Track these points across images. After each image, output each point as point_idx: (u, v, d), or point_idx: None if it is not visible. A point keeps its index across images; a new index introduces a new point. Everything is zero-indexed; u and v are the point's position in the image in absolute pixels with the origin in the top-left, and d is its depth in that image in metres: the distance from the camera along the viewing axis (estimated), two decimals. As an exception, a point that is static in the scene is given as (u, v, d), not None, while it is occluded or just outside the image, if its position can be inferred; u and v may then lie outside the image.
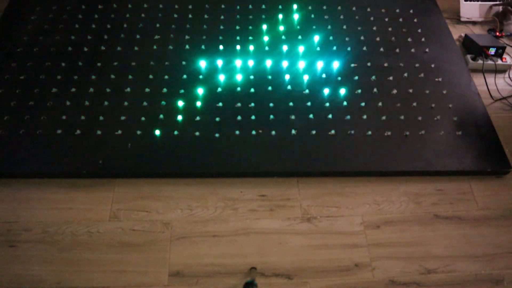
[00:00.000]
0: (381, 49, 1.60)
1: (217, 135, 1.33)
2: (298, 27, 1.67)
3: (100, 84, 1.43)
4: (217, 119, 1.36)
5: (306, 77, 1.48)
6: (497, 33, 1.74)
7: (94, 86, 1.43)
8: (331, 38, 1.63)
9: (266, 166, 1.28)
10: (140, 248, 1.13)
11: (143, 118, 1.35)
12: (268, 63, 1.53)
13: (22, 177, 1.25)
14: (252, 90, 1.44)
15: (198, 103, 1.40)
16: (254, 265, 1.11)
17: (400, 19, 1.72)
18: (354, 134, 1.35)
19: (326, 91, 1.45)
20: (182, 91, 1.43)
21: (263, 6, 1.73)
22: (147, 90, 1.43)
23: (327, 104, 1.42)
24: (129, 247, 1.13)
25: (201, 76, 1.48)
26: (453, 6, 1.84)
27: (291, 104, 1.41)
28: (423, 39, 1.65)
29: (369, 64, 1.55)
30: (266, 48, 1.58)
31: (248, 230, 1.18)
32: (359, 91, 1.46)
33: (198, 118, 1.36)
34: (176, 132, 1.32)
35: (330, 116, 1.39)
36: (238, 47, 1.57)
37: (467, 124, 1.40)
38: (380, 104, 1.43)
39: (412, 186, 1.29)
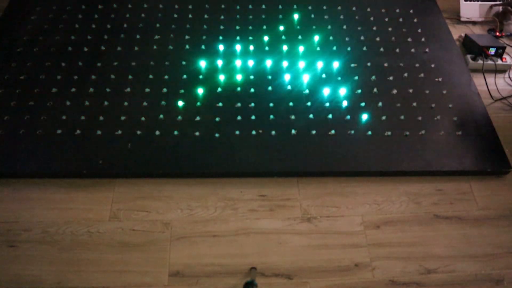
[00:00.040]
0: (381, 49, 1.60)
1: (217, 135, 1.33)
2: (298, 27, 1.67)
3: (100, 84, 1.43)
4: (217, 119, 1.36)
5: (306, 77, 1.48)
6: (497, 33, 1.74)
7: (94, 86, 1.43)
8: (331, 38, 1.63)
9: (266, 166, 1.28)
10: (140, 248, 1.13)
11: (143, 118, 1.35)
12: (268, 63, 1.53)
13: (22, 177, 1.25)
14: (252, 90, 1.45)
15: (198, 103, 1.40)
16: (254, 265, 1.11)
17: (400, 19, 1.72)
18: (354, 134, 1.35)
19: (326, 91, 1.45)
20: (182, 91, 1.43)
21: (263, 6, 1.73)
22: (147, 90, 1.43)
23: (327, 104, 1.42)
24: (129, 247, 1.13)
25: (201, 76, 1.48)
26: (453, 6, 1.84)
27: (291, 104, 1.41)
28: (423, 39, 1.65)
29: (369, 64, 1.55)
30: (266, 48, 1.58)
31: (248, 230, 1.18)
32: (359, 91, 1.46)
33: (198, 118, 1.36)
34: (176, 132, 1.32)
35: (330, 116, 1.39)
36: (238, 47, 1.57)
37: (467, 124, 1.40)
38: (380, 104, 1.43)
39: (412, 186, 1.30)
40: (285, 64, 1.53)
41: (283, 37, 1.62)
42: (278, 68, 1.52)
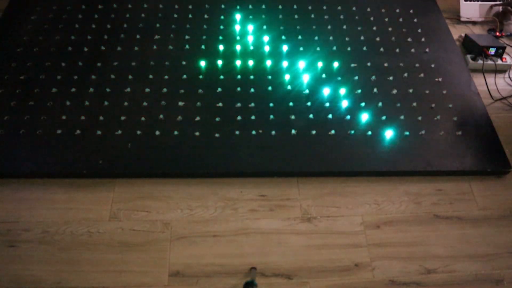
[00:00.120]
0: (381, 49, 1.60)
1: (217, 135, 1.33)
2: (298, 27, 1.66)
3: (100, 84, 1.43)
4: (217, 119, 1.36)
5: (306, 77, 1.48)
6: (497, 33, 1.74)
7: (94, 86, 1.43)
8: (331, 38, 1.63)
9: (266, 166, 1.28)
10: (140, 248, 1.13)
11: (143, 118, 1.35)
12: (268, 63, 1.53)
13: (22, 177, 1.25)
14: (252, 90, 1.45)
15: (198, 103, 1.40)
16: (254, 265, 1.11)
17: (400, 19, 1.72)
18: (354, 134, 1.35)
19: (326, 91, 1.45)
20: (182, 91, 1.43)
21: (263, 6, 1.73)
22: (147, 90, 1.43)
23: (327, 104, 1.42)
24: (129, 247, 1.13)
25: (201, 76, 1.48)
26: (453, 6, 1.84)
27: (291, 104, 1.41)
28: (423, 39, 1.65)
29: (369, 64, 1.55)
30: (266, 48, 1.58)
31: (248, 230, 1.18)
32: (359, 91, 1.46)
33: (198, 118, 1.36)
34: (176, 132, 1.32)
35: (330, 116, 1.39)
36: (238, 47, 1.57)
37: (467, 124, 1.40)
38: (380, 104, 1.43)
39: (412, 186, 1.29)
40: (285, 64, 1.53)
41: (283, 37, 1.62)
42: (278, 68, 1.52)
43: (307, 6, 1.74)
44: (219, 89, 1.44)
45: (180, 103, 1.40)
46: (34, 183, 1.24)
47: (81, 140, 1.30)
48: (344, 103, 1.42)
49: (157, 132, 1.32)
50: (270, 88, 1.46)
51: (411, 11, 1.76)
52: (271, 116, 1.38)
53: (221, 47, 1.57)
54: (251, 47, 1.58)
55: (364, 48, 1.60)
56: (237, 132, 1.33)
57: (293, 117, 1.38)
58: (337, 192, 1.27)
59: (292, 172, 1.28)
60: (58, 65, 1.48)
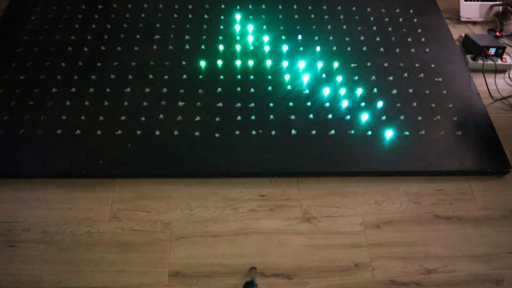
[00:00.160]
0: (381, 49, 1.60)
1: (217, 135, 1.33)
2: (298, 27, 1.66)
3: (100, 84, 1.43)
4: (217, 119, 1.36)
5: (306, 77, 1.48)
6: (497, 33, 1.74)
7: (94, 86, 1.43)
8: (331, 38, 1.63)
9: (266, 166, 1.28)
10: (140, 248, 1.13)
11: (143, 118, 1.35)
12: (268, 63, 1.53)
13: (22, 177, 1.25)
14: (252, 90, 1.45)
15: (198, 103, 1.40)
16: (254, 265, 1.11)
17: (400, 19, 1.72)
18: (354, 134, 1.35)
19: (326, 91, 1.45)
20: (182, 91, 1.43)
21: (263, 6, 1.73)
22: (147, 90, 1.43)
23: (327, 104, 1.42)
24: (129, 247, 1.13)
25: (201, 76, 1.48)
26: (453, 6, 1.84)
27: (291, 104, 1.41)
28: (423, 39, 1.65)
29: (369, 64, 1.55)
30: (266, 48, 1.58)
31: (248, 230, 1.18)
32: (359, 91, 1.46)
33: (198, 118, 1.36)
34: (176, 132, 1.32)
35: (330, 116, 1.39)
36: (238, 47, 1.57)
37: (467, 124, 1.40)
38: (380, 104, 1.43)
39: (412, 186, 1.29)
40: (285, 64, 1.53)
41: (283, 37, 1.62)
42: (278, 68, 1.52)
43: (307, 6, 1.74)
44: (219, 89, 1.44)
45: (180, 103, 1.40)
46: (34, 183, 1.24)
47: (81, 140, 1.30)
48: (344, 103, 1.42)
49: (157, 132, 1.32)
50: (270, 88, 1.46)
51: (411, 11, 1.76)
52: (271, 116, 1.38)
53: (221, 47, 1.57)
54: (251, 47, 1.58)
55: (364, 48, 1.60)
56: (237, 132, 1.33)
57: (293, 117, 1.38)
58: (337, 192, 1.27)
59: (292, 172, 1.28)
60: (58, 65, 1.48)
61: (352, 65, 1.54)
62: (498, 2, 1.80)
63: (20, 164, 1.25)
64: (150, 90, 1.43)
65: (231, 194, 1.25)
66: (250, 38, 1.61)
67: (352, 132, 1.35)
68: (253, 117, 1.37)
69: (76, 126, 1.32)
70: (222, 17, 1.68)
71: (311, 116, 1.38)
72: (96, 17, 1.65)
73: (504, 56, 1.62)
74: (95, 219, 1.18)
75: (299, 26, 1.66)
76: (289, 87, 1.46)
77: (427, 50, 1.62)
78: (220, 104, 1.40)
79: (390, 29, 1.68)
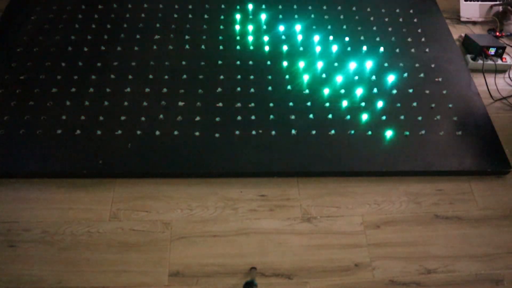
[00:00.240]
0: (381, 49, 1.60)
1: (217, 135, 1.33)
2: (298, 27, 1.66)
3: (100, 84, 1.43)
4: (217, 119, 1.36)
5: (306, 77, 1.48)
6: (497, 33, 1.74)
7: (94, 86, 1.43)
8: (331, 38, 1.63)
9: (266, 166, 1.28)
10: (140, 248, 1.13)
11: (143, 118, 1.35)
12: (268, 63, 1.53)
13: (22, 177, 1.25)
14: (252, 90, 1.44)
15: (198, 103, 1.40)
16: (254, 265, 1.11)
17: (400, 19, 1.72)
18: (354, 134, 1.35)
19: (326, 91, 1.45)
20: (182, 91, 1.43)
21: (263, 6, 1.73)
22: (147, 90, 1.43)
23: (327, 104, 1.42)
24: (129, 247, 1.13)
25: (201, 76, 1.48)
26: (453, 6, 1.84)
27: (291, 104, 1.41)
28: (423, 39, 1.65)
29: (369, 64, 1.54)
30: (266, 48, 1.58)
31: (248, 230, 1.18)
32: (359, 91, 1.46)
33: (198, 118, 1.36)
34: (176, 132, 1.32)
35: (330, 116, 1.39)
36: (238, 47, 1.57)
37: (467, 124, 1.40)
38: (380, 104, 1.43)
39: (412, 186, 1.29)
40: (285, 64, 1.52)
41: (283, 37, 1.62)
42: (278, 68, 1.52)
43: (307, 6, 1.74)
44: (219, 89, 1.44)
45: (180, 103, 1.40)
46: (34, 183, 1.24)
47: (81, 140, 1.30)
48: (344, 103, 1.42)
49: (157, 132, 1.32)
50: (270, 88, 1.46)
51: (411, 11, 1.76)
52: (271, 116, 1.38)
53: (221, 47, 1.57)
54: (251, 47, 1.58)
55: (364, 48, 1.60)
56: (237, 132, 1.33)
57: (293, 117, 1.38)
58: (337, 192, 1.27)
59: (292, 172, 1.29)
60: (58, 65, 1.48)
61: (352, 65, 1.54)
62: (498, 2, 1.80)
63: (20, 164, 1.25)
64: (150, 90, 1.43)
65: (231, 194, 1.25)
66: (250, 38, 1.61)
67: (352, 132, 1.35)
68: (253, 117, 1.37)
69: (76, 126, 1.32)
70: (222, 17, 1.68)
71: (311, 116, 1.38)
72: (96, 17, 1.65)
73: (504, 56, 1.62)
74: (95, 219, 1.18)
75: (299, 26, 1.66)
76: (289, 87, 1.46)
77: (427, 50, 1.62)
78: (220, 104, 1.40)
79: (390, 29, 1.68)
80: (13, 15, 1.65)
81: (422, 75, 1.53)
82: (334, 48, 1.59)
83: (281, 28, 1.65)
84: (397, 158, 1.31)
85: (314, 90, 1.45)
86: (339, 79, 1.49)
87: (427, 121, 1.40)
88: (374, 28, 1.68)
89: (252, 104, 1.41)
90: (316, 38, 1.62)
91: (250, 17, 1.69)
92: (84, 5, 1.69)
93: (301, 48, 1.58)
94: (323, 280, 1.11)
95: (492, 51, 1.61)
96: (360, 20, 1.71)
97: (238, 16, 1.68)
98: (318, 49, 1.58)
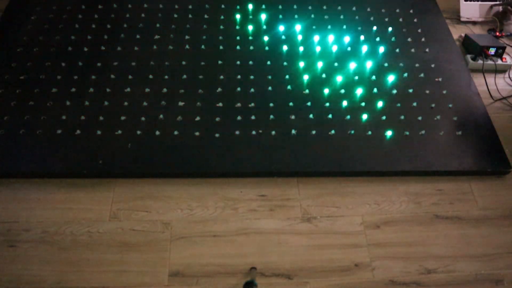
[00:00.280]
0: (381, 49, 1.60)
1: (217, 135, 1.33)
2: (298, 27, 1.66)
3: (100, 84, 1.43)
4: (217, 119, 1.36)
5: (306, 77, 1.48)
6: (497, 33, 1.74)
7: (94, 86, 1.43)
8: (331, 38, 1.62)
9: (266, 166, 1.28)
10: (140, 248, 1.13)
11: (143, 118, 1.35)
12: (268, 63, 1.53)
13: (22, 177, 1.25)
14: (252, 90, 1.45)
15: (198, 103, 1.40)
16: (254, 265, 1.11)
17: (400, 19, 1.72)
18: (354, 134, 1.35)
19: (326, 91, 1.45)
20: (182, 91, 1.43)
21: (263, 6, 1.73)
22: (147, 90, 1.43)
23: (327, 104, 1.42)
24: (129, 247, 1.13)
25: (201, 76, 1.48)
26: (453, 6, 1.84)
27: (291, 104, 1.41)
28: (423, 39, 1.65)
29: (369, 64, 1.54)
30: (266, 48, 1.58)
31: (248, 230, 1.18)
32: (359, 91, 1.46)
33: (198, 118, 1.36)
34: (176, 132, 1.32)
35: (330, 116, 1.39)
36: (238, 47, 1.57)
37: (467, 124, 1.40)
38: (380, 104, 1.43)
39: (412, 186, 1.29)
40: (285, 64, 1.52)
41: (283, 37, 1.62)
42: (278, 68, 1.52)
43: (307, 6, 1.74)
44: (219, 89, 1.44)
45: (180, 103, 1.40)
46: (34, 183, 1.24)
47: (81, 140, 1.30)
48: (344, 103, 1.42)
49: (157, 132, 1.32)
50: (270, 88, 1.46)
51: (411, 11, 1.76)
52: (271, 116, 1.38)
53: (221, 47, 1.57)
54: (251, 47, 1.58)
55: (364, 48, 1.60)
56: (237, 132, 1.33)
57: (293, 117, 1.38)
58: (337, 192, 1.27)
59: (292, 172, 1.28)
60: (58, 65, 1.48)
61: (352, 65, 1.54)
62: (498, 2, 1.80)
63: (20, 164, 1.25)
64: (150, 90, 1.43)
65: (231, 194, 1.25)
66: (250, 38, 1.61)
67: (352, 132, 1.35)
68: (253, 117, 1.37)
69: (76, 126, 1.32)
70: (222, 17, 1.68)
71: (311, 116, 1.38)
72: (96, 17, 1.65)
73: (504, 56, 1.62)
74: (95, 219, 1.18)
75: (299, 26, 1.66)
76: (289, 87, 1.46)
77: (427, 50, 1.62)
78: (220, 104, 1.40)
79: (390, 29, 1.68)
80: (13, 15, 1.65)
81: (422, 75, 1.53)
82: (334, 48, 1.59)
83: (281, 28, 1.65)
84: (397, 158, 1.31)
85: (314, 90, 1.45)
86: (339, 79, 1.49)
87: (427, 121, 1.40)
88: (374, 28, 1.68)
89: (252, 104, 1.41)
90: (316, 38, 1.62)
91: (250, 17, 1.69)
92: (84, 5, 1.69)
93: (301, 48, 1.58)
94: (323, 280, 1.11)
95: (492, 51, 1.61)
96: (360, 20, 1.71)
97: (238, 16, 1.68)
98: (318, 49, 1.58)
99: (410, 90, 1.48)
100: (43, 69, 1.46)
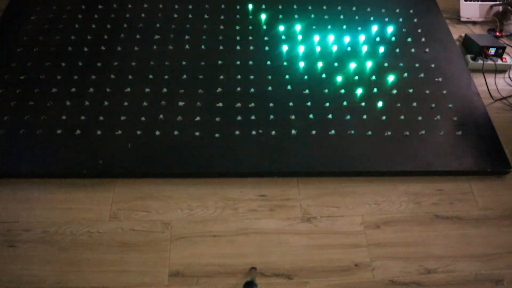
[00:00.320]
0: (381, 49, 1.60)
1: (217, 135, 1.33)
2: (298, 27, 1.66)
3: (100, 84, 1.43)
4: (217, 119, 1.36)
5: (306, 77, 1.48)
6: (497, 33, 1.74)
7: (94, 86, 1.43)
8: (331, 37, 1.62)
9: (266, 166, 1.28)
10: (140, 248, 1.13)
11: (143, 118, 1.35)
12: (268, 62, 1.53)
13: (22, 177, 1.25)
14: (252, 90, 1.45)
15: (198, 103, 1.40)
16: (254, 265, 1.11)
17: (400, 19, 1.72)
18: (354, 134, 1.35)
19: (326, 91, 1.45)
20: (182, 91, 1.43)
21: (263, 6, 1.73)
22: (147, 90, 1.43)
23: (327, 104, 1.42)
24: (129, 247, 1.13)
25: (201, 76, 1.48)
26: (453, 6, 1.84)
27: (291, 104, 1.41)
28: (423, 39, 1.65)
29: (369, 64, 1.55)
30: (266, 48, 1.58)
31: (248, 230, 1.18)
32: (359, 91, 1.46)
33: (198, 118, 1.36)
34: (176, 132, 1.32)
35: (330, 116, 1.39)
36: (238, 47, 1.57)
37: (467, 124, 1.40)
38: (380, 104, 1.43)
39: (412, 186, 1.29)
40: (285, 64, 1.52)
41: (283, 37, 1.62)
42: (278, 68, 1.52)
43: (307, 6, 1.74)
44: (219, 89, 1.44)
45: (180, 103, 1.40)
46: (34, 183, 1.24)
47: (81, 140, 1.30)
48: (344, 103, 1.42)
49: (157, 132, 1.32)
50: (270, 88, 1.46)
51: (411, 11, 1.76)
52: (271, 116, 1.38)
53: (221, 47, 1.57)
54: (251, 47, 1.58)
55: (364, 48, 1.60)
56: (237, 132, 1.33)
57: (293, 117, 1.38)
58: (337, 192, 1.27)
59: (292, 172, 1.28)
60: (58, 65, 1.48)
61: (352, 65, 1.54)
62: (498, 2, 1.80)
63: (20, 164, 1.25)
64: (150, 90, 1.43)
65: (231, 194, 1.25)
66: (250, 38, 1.61)
67: (352, 132, 1.35)
68: (253, 117, 1.37)
69: (76, 126, 1.32)
70: (222, 17, 1.68)
71: (311, 116, 1.38)
72: (96, 17, 1.65)
73: (504, 56, 1.62)
74: (95, 219, 1.18)
75: (299, 26, 1.66)
76: (289, 87, 1.46)
77: (427, 50, 1.62)
78: (220, 104, 1.40)
79: (390, 29, 1.68)
80: (13, 15, 1.65)
81: (422, 75, 1.53)
82: (334, 48, 1.59)
83: (281, 28, 1.65)
84: (397, 158, 1.31)
85: (314, 90, 1.45)
86: (339, 79, 1.49)
87: (427, 121, 1.40)
88: (374, 28, 1.68)
89: (252, 104, 1.41)
90: (316, 38, 1.62)
91: (250, 17, 1.69)
92: (84, 5, 1.69)
93: (301, 48, 1.58)
94: (323, 280, 1.11)
95: (492, 51, 1.61)
96: (360, 20, 1.71)
97: (238, 16, 1.68)
98: (318, 49, 1.58)
99: (410, 90, 1.48)
100: (43, 69, 1.46)
